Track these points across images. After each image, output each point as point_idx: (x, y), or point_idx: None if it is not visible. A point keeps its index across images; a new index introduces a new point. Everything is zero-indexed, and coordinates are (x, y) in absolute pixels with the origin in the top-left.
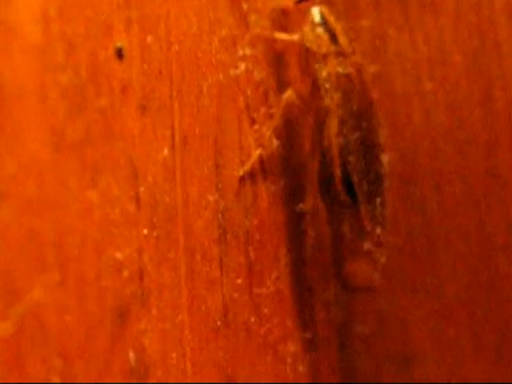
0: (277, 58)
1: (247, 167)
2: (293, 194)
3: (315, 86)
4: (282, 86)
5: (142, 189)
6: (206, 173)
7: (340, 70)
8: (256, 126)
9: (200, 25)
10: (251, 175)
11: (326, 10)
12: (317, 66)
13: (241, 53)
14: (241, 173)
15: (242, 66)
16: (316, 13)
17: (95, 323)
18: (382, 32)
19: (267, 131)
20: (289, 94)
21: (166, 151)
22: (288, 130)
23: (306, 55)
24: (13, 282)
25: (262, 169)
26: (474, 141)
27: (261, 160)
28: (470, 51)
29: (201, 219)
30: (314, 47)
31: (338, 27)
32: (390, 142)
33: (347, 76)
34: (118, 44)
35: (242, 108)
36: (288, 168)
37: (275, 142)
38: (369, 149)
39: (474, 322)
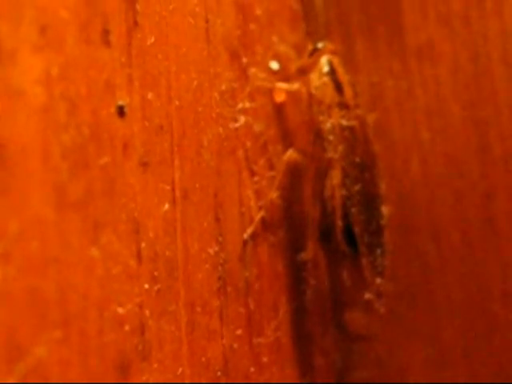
0: (276, 110)
1: (250, 231)
2: (293, 243)
3: (319, 137)
4: (281, 137)
5: (143, 244)
6: (206, 226)
7: (344, 122)
8: (256, 178)
9: (200, 80)
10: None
11: (336, 60)
12: (321, 117)
13: (240, 106)
14: (244, 236)
15: (242, 118)
16: (325, 62)
17: (98, 378)
18: (381, 81)
19: (269, 192)
20: (290, 154)
21: (166, 206)
22: (288, 181)
23: (310, 104)
24: (16, 339)
25: (262, 220)
26: (471, 190)
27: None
28: (468, 101)
29: (201, 272)
30: (319, 95)
31: (345, 79)
32: (388, 193)
33: (351, 129)
34: (120, 102)
35: (242, 160)
36: (288, 218)
37: (275, 193)
38: (370, 200)
39: (471, 368)
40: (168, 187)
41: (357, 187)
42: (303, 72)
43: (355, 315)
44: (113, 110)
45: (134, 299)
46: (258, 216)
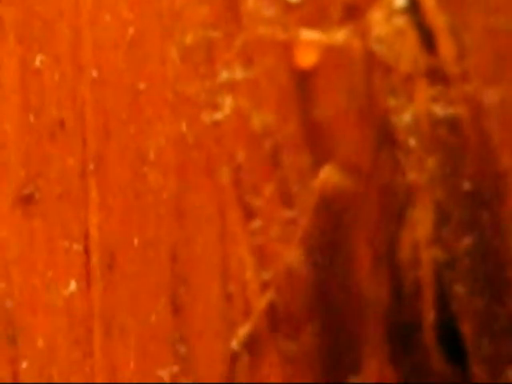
0: (298, 86)
1: (245, 331)
2: (335, 356)
3: (386, 140)
4: (308, 139)
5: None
6: (149, 325)
7: (438, 110)
8: (256, 223)
9: (141, 24)
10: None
11: None
12: (392, 100)
13: (225, 76)
14: (233, 345)
15: (227, 102)
16: None
17: None
18: None
19: (284, 252)
20: (327, 174)
21: (73, 285)
22: (322, 229)
23: (370, 72)
24: None
25: (270, 309)
26: None
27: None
28: None
29: None
30: (388, 56)
31: (440, 21)
32: None
33: (452, 123)
34: None
35: (228, 188)
36: (324, 305)
37: (296, 253)
38: (495, 269)
39: None
40: (78, 246)
41: (466, 242)
42: (355, 9)
43: None
44: None
45: None
46: (262, 301)
